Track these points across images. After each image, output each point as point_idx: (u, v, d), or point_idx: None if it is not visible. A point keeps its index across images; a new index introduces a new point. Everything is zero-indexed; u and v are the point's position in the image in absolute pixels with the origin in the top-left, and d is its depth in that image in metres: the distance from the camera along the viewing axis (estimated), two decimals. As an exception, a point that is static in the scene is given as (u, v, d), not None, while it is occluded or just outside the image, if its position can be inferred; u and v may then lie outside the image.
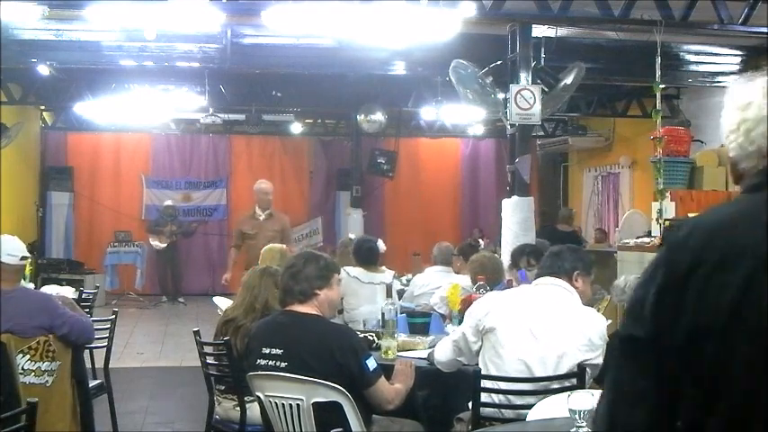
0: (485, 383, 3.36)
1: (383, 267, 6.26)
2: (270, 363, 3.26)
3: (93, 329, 4.46)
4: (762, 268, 1.21)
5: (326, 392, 3.16)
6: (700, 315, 1.24)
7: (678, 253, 1.30)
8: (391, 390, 3.38)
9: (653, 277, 1.32)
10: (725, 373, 1.21)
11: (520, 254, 5.42)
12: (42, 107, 13.64)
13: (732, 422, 1.21)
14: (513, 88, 6.93)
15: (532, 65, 7.10)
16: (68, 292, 6.31)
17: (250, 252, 7.75)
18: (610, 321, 5.01)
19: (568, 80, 7.25)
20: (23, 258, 4.10)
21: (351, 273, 5.93)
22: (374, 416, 3.48)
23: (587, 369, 3.34)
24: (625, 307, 1.43)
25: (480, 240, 10.60)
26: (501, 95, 7.15)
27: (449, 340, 3.68)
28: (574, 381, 3.27)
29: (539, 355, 3.34)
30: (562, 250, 3.65)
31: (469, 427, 3.48)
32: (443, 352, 3.68)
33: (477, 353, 3.50)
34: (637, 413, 1.30)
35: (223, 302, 5.73)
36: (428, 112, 11.97)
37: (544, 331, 3.37)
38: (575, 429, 2.34)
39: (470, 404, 3.41)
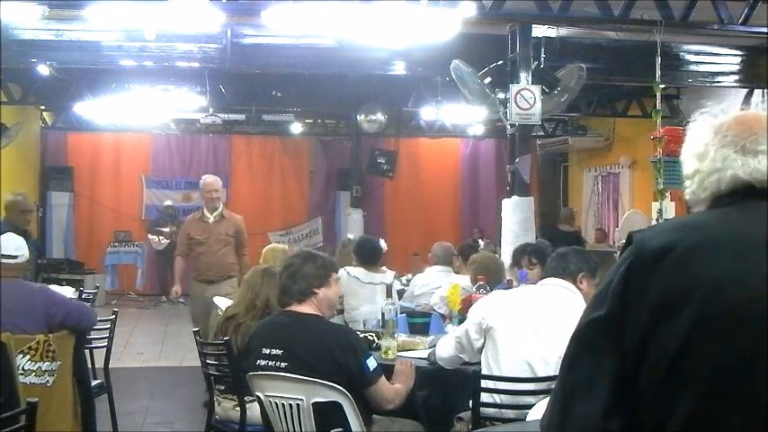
0: (485, 383, 3.36)
1: (383, 267, 6.26)
2: (270, 363, 3.26)
3: (94, 314, 4.46)
4: (733, 261, 1.24)
5: (326, 392, 3.16)
6: (667, 295, 1.25)
7: (649, 242, 1.32)
8: (391, 389, 3.38)
9: (620, 265, 1.34)
10: (687, 357, 1.22)
11: (521, 253, 5.42)
12: (42, 107, 13.63)
13: (696, 402, 1.21)
14: (513, 88, 6.93)
15: (533, 65, 7.10)
16: (68, 292, 6.32)
17: (201, 260, 6.91)
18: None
19: (570, 83, 7.25)
20: (4, 257, 4.10)
21: (351, 273, 5.93)
22: (374, 416, 3.48)
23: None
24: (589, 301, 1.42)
25: (480, 240, 10.60)
26: (501, 95, 7.15)
27: (451, 337, 3.69)
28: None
29: (541, 355, 3.34)
30: (568, 252, 3.66)
31: (470, 427, 3.48)
32: (445, 348, 3.69)
33: (480, 350, 3.50)
34: (595, 397, 1.29)
35: (223, 302, 5.73)
36: (428, 112, 11.98)
37: (546, 331, 3.36)
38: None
39: (471, 404, 3.41)
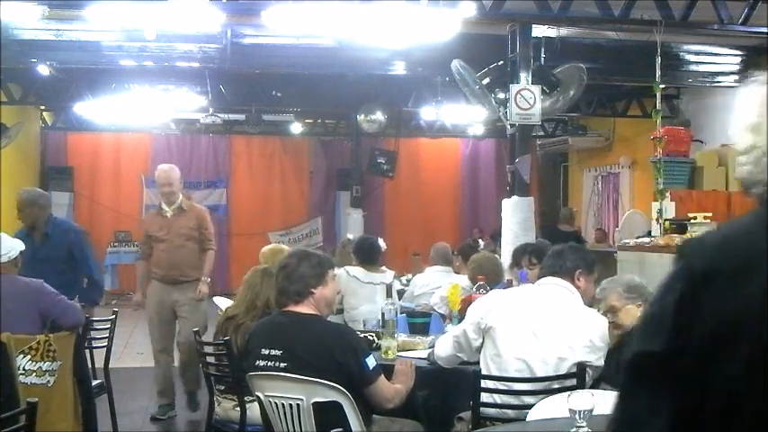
0: (485, 383, 3.36)
1: (383, 267, 6.26)
2: (269, 363, 3.25)
3: (81, 313, 4.49)
4: None
5: (326, 392, 3.16)
6: (717, 325, 1.15)
7: (694, 262, 1.22)
8: (391, 388, 3.38)
9: (670, 290, 1.22)
10: (744, 388, 1.13)
11: (522, 253, 5.42)
12: (42, 107, 13.65)
13: None
14: (513, 88, 6.93)
15: (533, 65, 7.10)
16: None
17: (162, 258, 6.20)
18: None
19: (571, 87, 7.26)
20: None
21: (350, 272, 5.93)
22: (374, 416, 3.48)
23: (588, 370, 3.34)
24: (638, 322, 1.32)
25: (480, 240, 10.59)
26: (501, 95, 7.15)
27: (450, 336, 3.69)
28: (574, 381, 3.27)
29: (540, 356, 3.34)
30: (564, 249, 3.66)
31: (470, 427, 3.48)
32: (444, 347, 3.69)
33: (478, 350, 3.50)
34: (657, 429, 1.20)
35: (223, 302, 5.73)
36: (428, 112, 11.98)
37: (545, 331, 3.37)
38: (575, 429, 2.34)
39: (471, 404, 3.41)
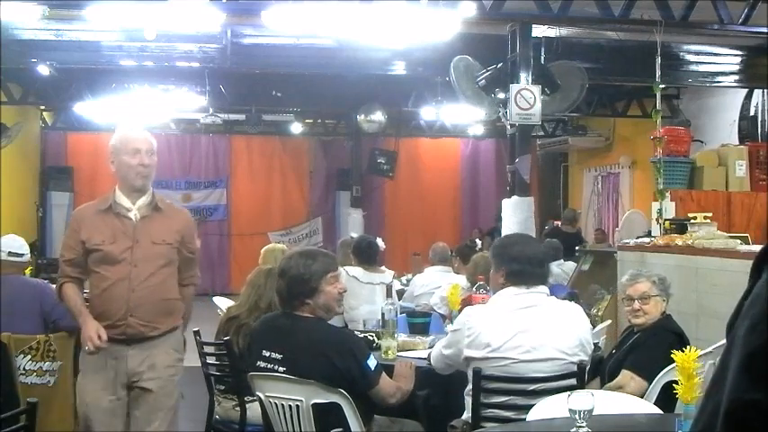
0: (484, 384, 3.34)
1: (383, 267, 6.26)
2: (269, 366, 3.25)
3: None
4: None
5: (326, 394, 3.15)
6: None
7: None
8: (392, 384, 3.36)
9: None
10: None
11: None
12: (42, 107, 13.65)
13: None
14: (513, 88, 6.93)
15: (533, 66, 7.11)
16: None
17: (115, 297, 3.38)
18: (609, 321, 5.01)
19: (572, 90, 7.26)
20: (12, 255, 4.19)
21: (349, 272, 5.92)
22: (374, 416, 3.48)
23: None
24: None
25: (478, 241, 10.60)
26: (501, 95, 7.16)
27: (440, 350, 3.53)
28: (573, 381, 3.26)
29: (536, 368, 3.27)
30: (540, 255, 3.50)
31: (464, 428, 3.46)
32: (437, 360, 3.60)
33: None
34: None
35: (223, 302, 5.73)
36: (428, 112, 11.99)
37: (540, 347, 3.28)
38: (575, 429, 2.34)
39: (468, 405, 3.39)
